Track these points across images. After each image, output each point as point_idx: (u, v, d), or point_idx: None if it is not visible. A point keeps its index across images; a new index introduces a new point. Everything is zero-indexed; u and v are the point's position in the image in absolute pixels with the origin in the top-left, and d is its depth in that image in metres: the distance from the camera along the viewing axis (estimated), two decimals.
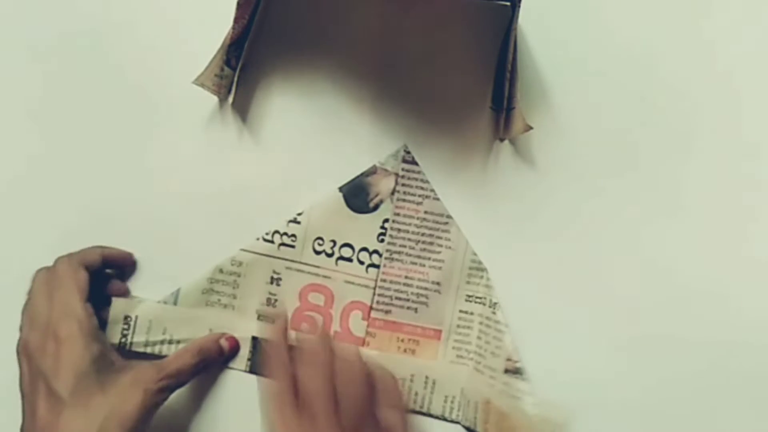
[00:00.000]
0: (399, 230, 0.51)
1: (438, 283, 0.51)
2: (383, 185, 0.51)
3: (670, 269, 0.51)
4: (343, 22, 0.51)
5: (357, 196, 0.51)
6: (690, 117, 0.51)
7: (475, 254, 0.51)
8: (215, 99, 0.52)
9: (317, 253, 0.51)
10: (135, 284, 0.53)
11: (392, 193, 0.51)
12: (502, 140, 0.51)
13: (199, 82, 0.48)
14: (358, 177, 0.51)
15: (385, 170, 0.51)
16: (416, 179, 0.51)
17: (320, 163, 0.52)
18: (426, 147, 0.51)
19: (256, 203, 0.52)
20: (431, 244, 0.51)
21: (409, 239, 0.51)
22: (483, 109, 0.51)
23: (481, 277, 0.51)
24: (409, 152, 0.51)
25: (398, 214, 0.51)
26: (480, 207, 0.51)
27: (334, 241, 0.51)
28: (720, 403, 0.51)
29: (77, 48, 0.52)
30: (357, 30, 0.51)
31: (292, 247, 0.51)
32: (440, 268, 0.51)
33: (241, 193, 0.52)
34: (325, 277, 0.51)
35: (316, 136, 0.52)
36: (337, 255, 0.51)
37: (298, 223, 0.51)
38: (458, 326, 0.51)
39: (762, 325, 0.50)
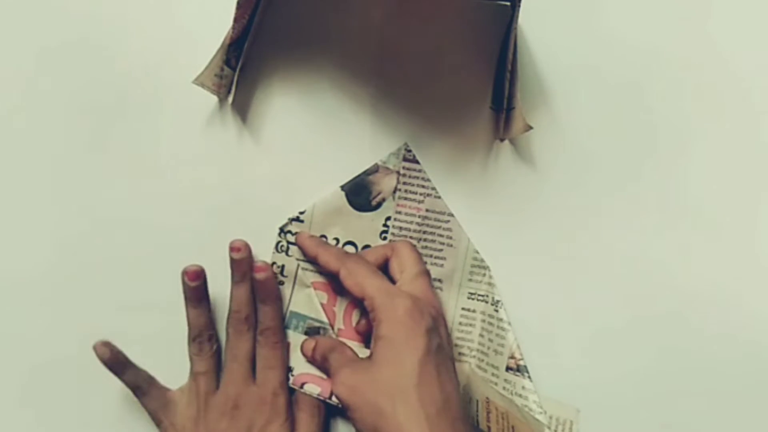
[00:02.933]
0: (401, 228, 0.51)
1: (440, 281, 0.51)
2: (385, 183, 0.51)
3: (671, 267, 0.51)
4: (343, 22, 0.51)
5: (359, 194, 0.51)
6: (691, 117, 0.51)
7: (477, 252, 0.51)
8: (215, 99, 0.51)
9: None
10: (134, 286, 0.52)
11: (394, 192, 0.51)
12: (502, 140, 0.51)
13: (199, 81, 0.48)
14: (359, 175, 0.51)
15: (387, 168, 0.51)
16: (417, 177, 0.51)
17: (320, 162, 0.52)
18: (426, 147, 0.52)
19: (256, 203, 0.52)
20: (433, 241, 0.51)
21: (411, 237, 0.51)
22: (483, 109, 0.52)
23: (483, 274, 0.51)
24: (410, 150, 0.51)
25: (400, 212, 0.51)
26: (480, 206, 0.52)
27: (337, 239, 0.51)
28: (722, 404, 0.51)
29: (76, 47, 0.52)
30: (357, 30, 0.51)
31: (295, 245, 0.51)
32: (442, 265, 0.51)
33: (241, 192, 0.52)
34: (328, 275, 0.51)
35: (316, 135, 0.52)
36: None
37: (301, 221, 0.51)
38: (460, 323, 0.51)
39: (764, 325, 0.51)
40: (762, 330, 0.51)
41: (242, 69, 0.51)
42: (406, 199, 0.51)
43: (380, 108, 0.52)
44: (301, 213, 0.51)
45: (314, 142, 0.52)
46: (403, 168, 0.51)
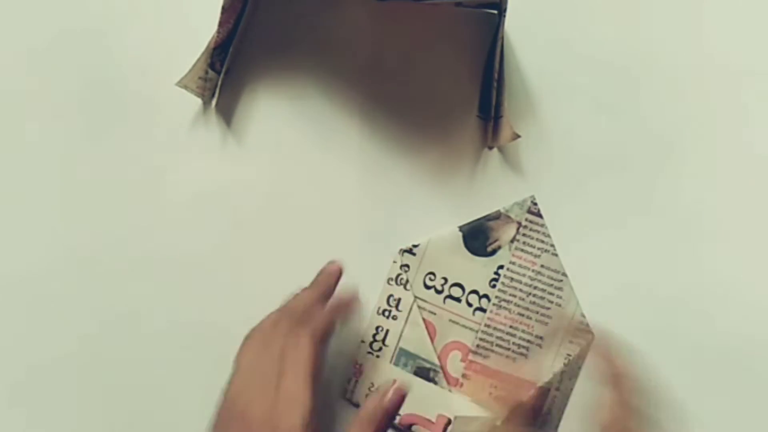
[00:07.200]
0: (512, 279, 0.51)
1: (541, 338, 0.51)
2: (504, 232, 0.51)
3: (661, 275, 0.51)
4: (330, 28, 0.52)
5: (476, 238, 0.51)
6: (675, 124, 0.52)
7: (583, 316, 0.51)
8: (200, 101, 0.52)
9: (427, 287, 0.51)
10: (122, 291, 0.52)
11: (511, 241, 0.51)
12: (490, 148, 0.52)
13: (183, 84, 0.49)
14: (479, 219, 0.51)
15: (508, 217, 0.51)
16: (538, 231, 0.51)
17: (304, 167, 0.52)
18: (414, 154, 0.52)
19: (238, 206, 0.52)
20: (542, 298, 0.51)
21: (521, 290, 0.51)
22: (472, 116, 0.52)
23: (585, 339, 0.51)
24: (535, 204, 0.51)
25: (514, 263, 0.51)
26: (469, 214, 0.52)
27: (445, 279, 0.51)
28: (721, 400, 0.51)
29: (61, 50, 0.52)
30: (344, 37, 0.52)
31: (404, 277, 0.51)
32: (546, 323, 0.51)
33: (223, 195, 0.52)
34: (430, 312, 0.51)
35: (302, 140, 0.52)
36: (446, 293, 0.51)
37: (414, 254, 0.51)
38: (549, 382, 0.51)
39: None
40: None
41: (228, 72, 0.51)
42: (522, 251, 0.51)
43: (367, 115, 0.52)
44: (415, 246, 0.51)
45: (299, 146, 0.52)
46: (526, 220, 0.51)
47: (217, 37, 0.48)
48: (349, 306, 0.49)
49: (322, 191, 0.52)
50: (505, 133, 0.48)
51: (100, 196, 0.52)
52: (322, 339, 0.45)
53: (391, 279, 0.51)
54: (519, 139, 0.48)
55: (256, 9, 0.51)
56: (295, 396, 0.42)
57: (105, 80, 0.52)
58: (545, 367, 0.51)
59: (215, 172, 0.52)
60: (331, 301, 0.47)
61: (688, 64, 0.52)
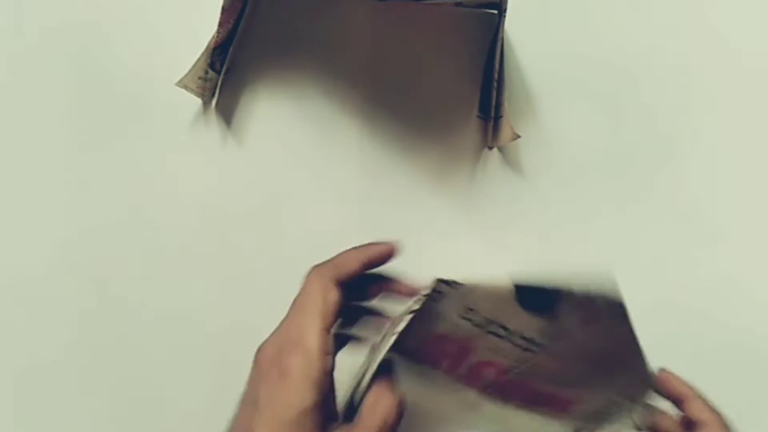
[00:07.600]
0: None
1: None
2: None
3: (659, 272, 0.52)
4: (330, 28, 0.52)
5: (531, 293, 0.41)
6: (676, 124, 0.52)
7: None
8: (200, 101, 0.52)
9: (464, 319, 0.41)
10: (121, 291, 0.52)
11: None
12: (490, 148, 0.50)
13: (183, 84, 0.49)
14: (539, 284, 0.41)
15: None
16: None
17: (304, 167, 0.52)
18: (414, 154, 0.52)
19: (238, 207, 0.52)
20: None
21: None
22: (472, 116, 0.51)
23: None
24: None
25: None
26: (468, 214, 0.52)
27: (488, 320, 0.41)
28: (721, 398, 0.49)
29: (60, 49, 0.52)
30: (344, 36, 0.52)
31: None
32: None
33: (223, 196, 0.52)
34: (466, 338, 0.42)
35: (302, 140, 0.52)
36: (486, 328, 0.42)
37: (453, 287, 0.40)
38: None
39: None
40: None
41: (227, 72, 0.50)
42: None
43: (367, 115, 0.51)
44: (456, 283, 0.40)
45: (299, 146, 0.52)
46: None
47: (217, 37, 0.47)
48: (381, 252, 0.44)
49: (322, 191, 0.52)
50: (505, 133, 0.48)
51: (99, 196, 0.52)
52: (337, 278, 0.42)
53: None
54: (519, 139, 0.48)
55: (256, 9, 0.50)
56: (302, 334, 0.40)
57: (105, 80, 0.52)
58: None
59: (215, 172, 0.51)
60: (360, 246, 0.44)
61: (688, 64, 0.52)
